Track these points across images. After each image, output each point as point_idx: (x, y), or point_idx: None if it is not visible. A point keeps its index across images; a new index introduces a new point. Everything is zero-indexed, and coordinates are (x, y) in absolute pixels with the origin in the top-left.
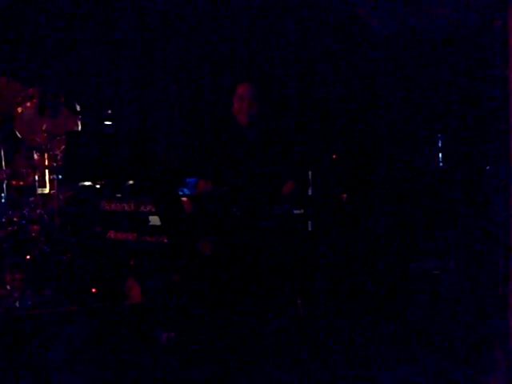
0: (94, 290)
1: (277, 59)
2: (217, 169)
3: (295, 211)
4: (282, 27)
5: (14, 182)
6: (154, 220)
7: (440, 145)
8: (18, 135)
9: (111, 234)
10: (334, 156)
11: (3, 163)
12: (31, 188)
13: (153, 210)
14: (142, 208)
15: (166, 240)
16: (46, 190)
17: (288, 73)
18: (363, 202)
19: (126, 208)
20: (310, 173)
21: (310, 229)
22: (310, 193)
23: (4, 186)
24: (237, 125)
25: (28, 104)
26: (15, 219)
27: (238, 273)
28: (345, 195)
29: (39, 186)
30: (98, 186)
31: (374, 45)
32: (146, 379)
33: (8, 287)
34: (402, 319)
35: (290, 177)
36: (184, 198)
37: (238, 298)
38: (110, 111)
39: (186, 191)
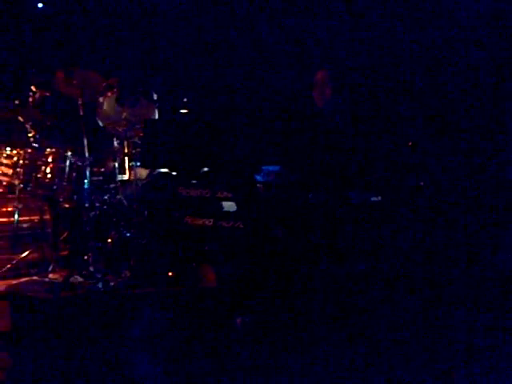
0: (170, 274)
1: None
2: (293, 154)
3: (373, 199)
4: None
5: (96, 169)
6: (228, 206)
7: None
8: (100, 124)
9: (188, 220)
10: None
11: (86, 151)
12: (112, 175)
13: (229, 195)
14: (219, 194)
15: (241, 226)
16: (126, 177)
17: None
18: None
19: (203, 194)
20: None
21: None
22: None
23: (87, 172)
24: (317, 112)
25: (108, 94)
26: (97, 204)
27: (312, 260)
28: None
29: (119, 173)
30: (174, 173)
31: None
32: (220, 363)
33: (91, 269)
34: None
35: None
36: (259, 185)
37: (311, 285)
38: (185, 99)
39: (260, 178)
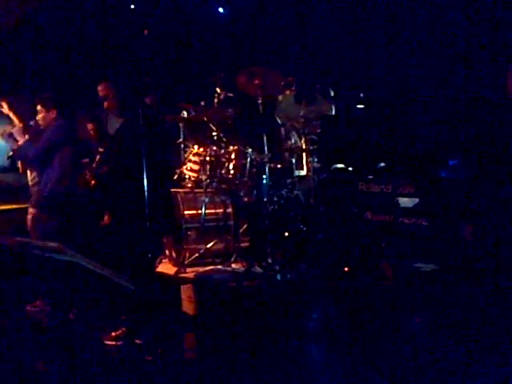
0: (346, 269)
1: None
2: (481, 148)
3: None
4: None
5: (274, 165)
6: (405, 202)
7: None
8: (279, 121)
9: (368, 215)
10: None
11: (265, 148)
12: (289, 170)
13: (411, 191)
14: (400, 190)
15: (425, 223)
16: (303, 172)
17: None
18: None
19: (384, 189)
20: None
21: None
22: None
23: (266, 168)
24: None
25: (287, 92)
26: (275, 199)
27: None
28: None
29: (296, 169)
30: (350, 168)
31: None
32: (393, 361)
33: (270, 261)
34: None
35: None
36: (444, 181)
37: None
38: (361, 95)
39: (445, 174)
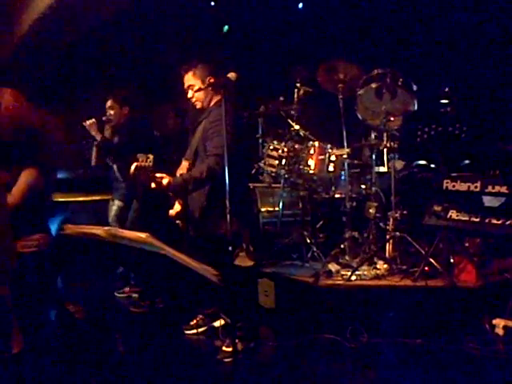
0: (426, 269)
1: None
2: None
3: None
4: None
5: (353, 161)
6: (489, 201)
7: None
8: (359, 117)
9: (452, 214)
10: None
11: (345, 143)
12: (369, 166)
13: (502, 190)
14: (489, 188)
15: None
16: (383, 169)
17: None
18: None
19: (472, 188)
20: None
21: None
22: None
23: (345, 164)
24: None
25: (368, 87)
26: (354, 195)
27: None
28: None
29: (377, 165)
30: (432, 166)
31: None
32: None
33: (347, 258)
34: None
35: None
36: None
37: None
38: (446, 89)
39: None
